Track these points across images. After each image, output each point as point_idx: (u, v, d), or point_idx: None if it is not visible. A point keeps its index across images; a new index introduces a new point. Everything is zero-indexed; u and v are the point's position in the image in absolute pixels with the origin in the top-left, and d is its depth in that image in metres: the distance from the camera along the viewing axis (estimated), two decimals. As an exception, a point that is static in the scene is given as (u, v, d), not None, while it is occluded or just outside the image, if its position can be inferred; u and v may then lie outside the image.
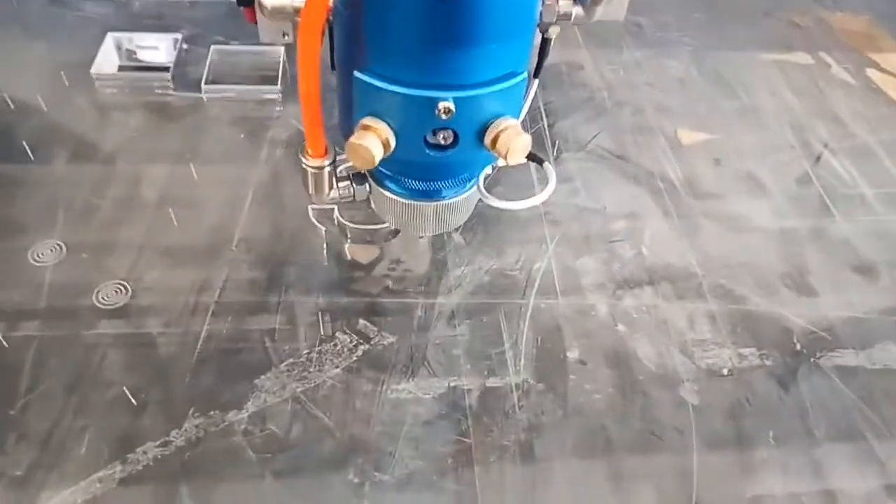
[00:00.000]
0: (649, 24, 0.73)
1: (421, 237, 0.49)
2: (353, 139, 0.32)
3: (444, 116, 0.30)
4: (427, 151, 0.32)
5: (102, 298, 0.44)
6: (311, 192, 0.40)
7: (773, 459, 0.38)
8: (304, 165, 0.38)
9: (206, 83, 0.60)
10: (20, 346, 0.41)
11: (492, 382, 0.41)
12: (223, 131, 0.56)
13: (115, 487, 0.36)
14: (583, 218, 0.51)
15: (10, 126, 0.55)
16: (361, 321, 0.44)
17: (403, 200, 0.39)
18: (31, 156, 0.52)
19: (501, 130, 0.31)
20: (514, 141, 0.31)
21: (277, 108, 0.59)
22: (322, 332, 0.43)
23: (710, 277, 0.47)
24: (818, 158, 0.58)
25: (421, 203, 0.39)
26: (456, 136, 0.32)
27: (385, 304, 0.45)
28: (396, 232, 0.49)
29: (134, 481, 0.36)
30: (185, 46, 0.64)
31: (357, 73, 0.31)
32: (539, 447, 0.38)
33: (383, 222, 0.48)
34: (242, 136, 0.56)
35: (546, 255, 0.48)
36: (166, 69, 0.61)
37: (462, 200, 0.40)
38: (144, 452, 0.37)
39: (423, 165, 0.35)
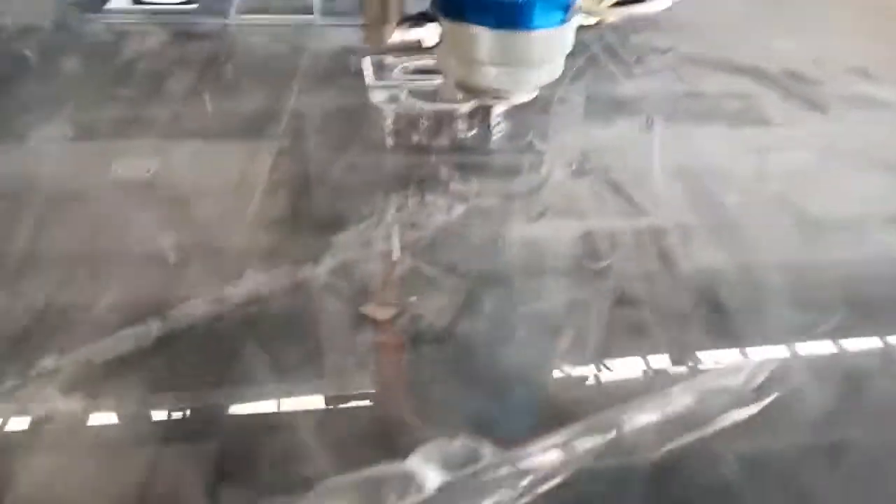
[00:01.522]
0: None
1: (500, 109, 0.41)
2: None
3: None
4: None
5: (122, 171, 0.34)
6: (372, 18, 0.33)
7: None
8: None
9: (235, 13, 0.54)
10: (15, 212, 0.31)
11: (642, 222, 0.32)
12: (258, 43, 0.49)
13: (150, 346, 0.25)
14: (688, 101, 0.44)
15: (8, 43, 0.47)
16: (453, 184, 0.35)
17: (486, 31, 0.32)
18: (32, 65, 0.44)
19: None
20: None
21: (318, 27, 0.52)
22: (408, 194, 0.34)
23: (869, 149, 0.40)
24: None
25: (508, 34, 0.32)
26: None
27: (481, 164, 0.36)
28: (474, 112, 0.42)
29: (178, 339, 0.25)
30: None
31: None
32: (723, 281, 0.29)
33: (456, 100, 0.40)
34: (283, 48, 0.49)
35: (657, 126, 0.40)
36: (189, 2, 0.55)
37: (553, 34, 0.32)
38: (189, 310, 0.27)
39: None
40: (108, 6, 0.53)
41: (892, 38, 0.57)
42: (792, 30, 0.58)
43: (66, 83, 0.42)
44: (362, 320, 0.26)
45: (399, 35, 0.34)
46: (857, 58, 0.52)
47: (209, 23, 0.53)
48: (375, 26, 0.33)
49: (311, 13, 0.56)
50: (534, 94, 0.38)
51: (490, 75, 0.33)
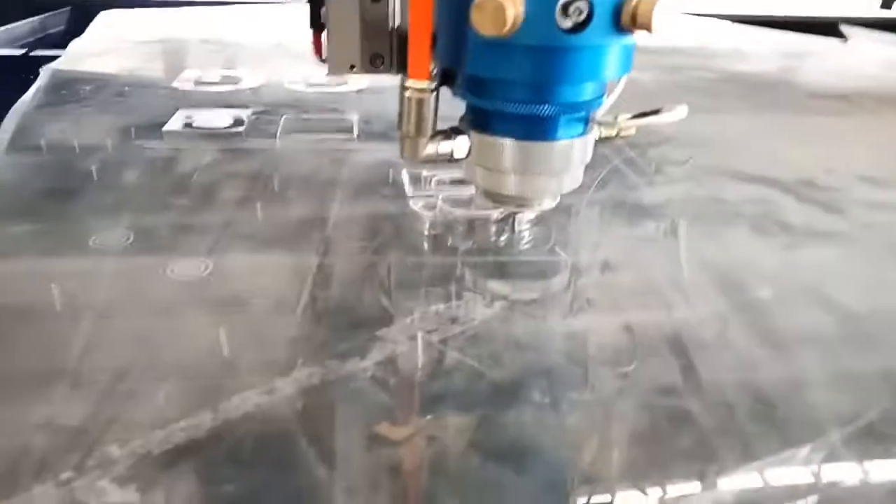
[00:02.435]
0: (699, 102, 0.75)
1: (529, 215, 0.42)
2: None
3: None
4: (558, 32, 0.29)
5: (177, 270, 0.36)
6: (410, 132, 0.36)
7: None
8: (404, 92, 0.35)
9: (280, 135, 0.58)
10: (76, 308, 0.33)
11: (679, 314, 0.32)
12: (303, 157, 0.53)
13: (205, 436, 0.25)
14: (711, 205, 0.46)
15: (73, 160, 0.51)
16: (491, 282, 0.36)
17: (511, 141, 0.35)
18: (94, 177, 0.48)
19: (639, 1, 0.29)
20: (656, 5, 0.28)
21: (357, 144, 0.56)
22: (448, 291, 0.35)
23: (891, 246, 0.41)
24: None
25: (531, 144, 0.35)
26: (590, 8, 0.29)
27: (517, 265, 0.38)
28: (504, 219, 0.44)
29: (232, 429, 0.26)
30: (254, 116, 0.64)
31: None
32: (764, 370, 0.29)
33: (488, 207, 0.42)
34: (326, 161, 0.52)
35: (683, 227, 0.42)
36: (240, 126, 0.60)
37: (574, 145, 0.35)
38: (243, 400, 0.27)
39: (547, 64, 0.32)
40: (164, 129, 0.59)
41: (891, 151, 0.60)
42: (798, 143, 0.62)
43: (126, 194, 0.45)
44: (407, 412, 0.27)
45: (432, 147, 0.36)
46: (864, 167, 0.54)
47: (256, 142, 0.57)
48: (411, 140, 0.36)
49: (351, 132, 0.61)
50: (555, 202, 0.40)
51: (514, 183, 0.36)
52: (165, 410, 0.27)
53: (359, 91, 0.73)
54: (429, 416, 0.27)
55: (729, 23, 1.35)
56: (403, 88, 0.35)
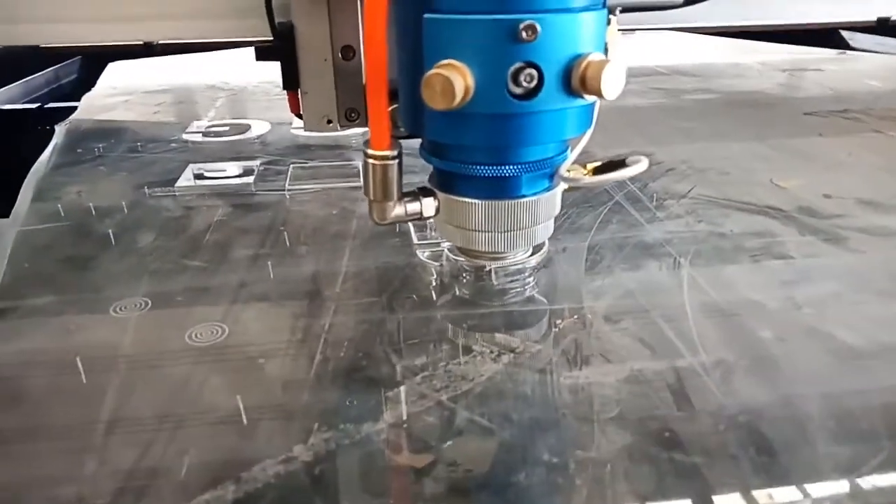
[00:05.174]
0: (699, 127, 0.76)
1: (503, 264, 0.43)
2: (432, 71, 0.29)
3: (527, 36, 0.28)
4: (510, 99, 0.30)
5: (196, 336, 0.38)
6: (376, 197, 0.37)
7: None
8: (366, 160, 0.36)
9: (289, 184, 0.60)
10: (100, 379, 0.34)
11: (682, 363, 0.33)
12: (311, 208, 0.54)
13: (227, 509, 0.27)
14: (710, 240, 0.47)
15: (90, 225, 0.53)
16: (498, 335, 0.37)
17: (477, 201, 0.36)
18: (111, 241, 0.50)
19: (588, 64, 0.30)
20: (605, 70, 0.29)
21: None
22: (456, 346, 0.36)
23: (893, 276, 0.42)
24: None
25: (497, 202, 0.36)
26: (540, 75, 0.30)
27: (523, 316, 0.38)
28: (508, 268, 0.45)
29: (254, 501, 0.27)
30: (262, 168, 0.66)
31: (427, 15, 0.30)
32: (765, 416, 0.29)
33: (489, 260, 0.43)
34: (334, 212, 0.54)
35: (685, 267, 0.43)
36: (249, 176, 0.62)
37: (539, 200, 0.36)
38: (263, 470, 0.28)
39: (504, 129, 0.33)
40: (176, 185, 0.60)
41: (891, 171, 0.60)
42: (798, 167, 0.62)
43: (142, 257, 0.47)
44: (421, 473, 0.28)
45: (400, 209, 0.37)
46: (863, 191, 0.55)
47: (266, 194, 0.59)
48: (378, 204, 0.37)
49: (357, 178, 0.62)
50: (530, 254, 0.42)
51: (484, 240, 0.37)
52: (190, 483, 0.28)
53: (364, 132, 0.75)
54: (440, 467, 0.28)
55: (726, 38, 1.36)
56: (366, 156, 0.36)
